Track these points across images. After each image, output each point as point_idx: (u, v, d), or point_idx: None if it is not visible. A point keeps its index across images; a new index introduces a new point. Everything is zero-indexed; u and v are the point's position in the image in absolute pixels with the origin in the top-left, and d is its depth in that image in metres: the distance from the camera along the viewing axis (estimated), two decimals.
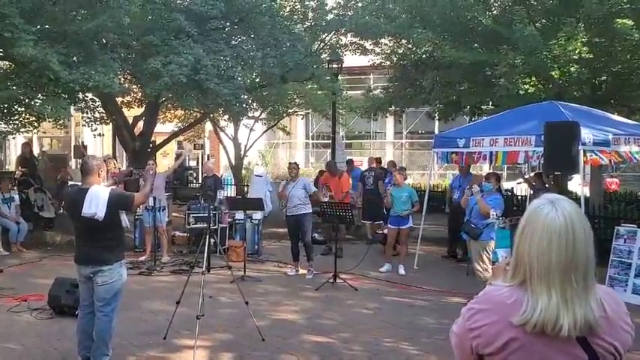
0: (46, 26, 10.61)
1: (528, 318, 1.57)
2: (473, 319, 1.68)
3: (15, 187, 11.78)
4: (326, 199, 10.06)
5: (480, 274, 7.40)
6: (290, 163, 9.95)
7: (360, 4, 14.76)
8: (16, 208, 11.13)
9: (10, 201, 11.09)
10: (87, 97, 12.44)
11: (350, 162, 14.09)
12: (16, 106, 11.19)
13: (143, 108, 15.71)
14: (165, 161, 22.74)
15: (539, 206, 1.67)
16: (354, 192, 12.03)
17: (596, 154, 8.51)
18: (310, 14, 14.93)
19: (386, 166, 13.27)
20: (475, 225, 7.44)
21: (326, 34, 15.31)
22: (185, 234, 11.48)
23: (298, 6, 14.94)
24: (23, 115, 11.66)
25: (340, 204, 9.51)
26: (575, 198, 8.64)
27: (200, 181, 15.51)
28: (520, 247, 1.67)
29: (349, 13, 14.58)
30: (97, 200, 4.67)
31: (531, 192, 10.51)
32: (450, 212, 10.74)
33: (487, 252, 7.41)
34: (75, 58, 10.60)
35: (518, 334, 1.60)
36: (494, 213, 7.30)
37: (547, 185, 9.36)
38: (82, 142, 20.65)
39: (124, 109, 15.34)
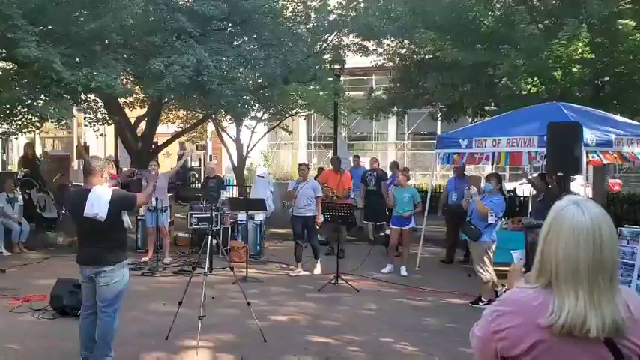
0: (49, 27, 10.64)
1: (556, 319, 1.57)
2: (497, 322, 1.67)
3: (18, 188, 11.80)
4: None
5: (481, 275, 7.39)
6: (300, 164, 10.08)
7: (362, 5, 14.76)
8: (20, 209, 11.16)
9: (14, 201, 11.12)
10: (89, 97, 12.46)
11: (357, 158, 14.13)
12: (18, 107, 11.20)
13: (145, 109, 15.74)
14: (167, 162, 22.78)
15: (564, 208, 1.67)
16: (357, 192, 12.04)
17: (598, 156, 8.50)
18: (312, 15, 14.94)
19: (388, 168, 13.25)
20: (475, 226, 7.42)
21: (328, 34, 15.32)
22: (187, 235, 11.48)
23: (300, 7, 14.95)
24: (26, 115, 11.68)
25: (342, 205, 9.52)
26: None
27: (202, 182, 15.53)
28: (546, 249, 1.66)
29: (351, 14, 14.58)
30: (99, 201, 4.68)
31: (534, 193, 10.49)
32: (447, 215, 10.68)
33: (488, 253, 7.39)
34: (77, 59, 10.63)
35: (545, 335, 1.59)
36: (492, 215, 7.28)
37: (550, 186, 9.34)
38: (85, 143, 20.69)
39: (127, 110, 15.36)
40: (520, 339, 1.62)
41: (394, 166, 12.95)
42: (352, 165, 13.77)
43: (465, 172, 10.95)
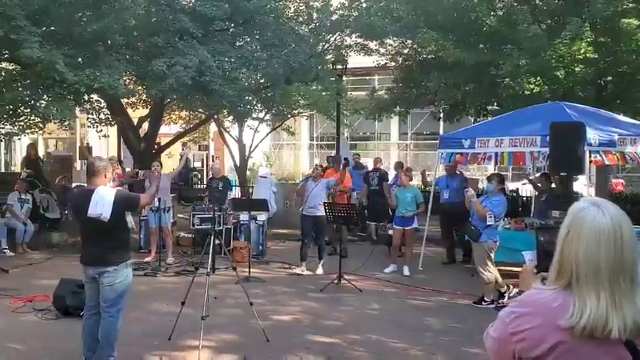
0: (52, 28, 10.67)
1: (577, 321, 1.56)
2: (515, 323, 1.66)
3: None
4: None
5: (483, 275, 7.37)
6: (315, 165, 10.39)
7: (364, 5, 14.76)
8: (28, 210, 11.23)
9: (25, 202, 11.22)
10: (92, 98, 12.49)
11: (357, 157, 14.13)
12: (21, 108, 11.24)
13: (148, 109, 15.76)
14: (169, 162, 22.82)
15: (584, 209, 1.67)
16: (360, 191, 12.04)
17: (600, 156, 8.49)
18: (315, 15, 14.94)
19: (392, 167, 13.26)
20: (475, 226, 7.40)
21: (330, 34, 15.32)
22: (190, 235, 11.49)
23: (303, 7, 14.96)
24: (28, 116, 11.71)
25: (344, 205, 9.52)
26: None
27: (206, 182, 15.53)
28: (566, 250, 1.65)
29: (354, 14, 14.58)
30: (103, 201, 4.68)
31: (536, 193, 10.48)
32: (440, 214, 10.64)
33: (489, 254, 7.37)
34: (80, 60, 10.65)
35: (566, 337, 1.59)
36: (491, 216, 7.26)
37: (554, 186, 9.33)
38: (87, 144, 20.73)
39: (129, 110, 15.39)
40: (540, 340, 1.61)
41: (398, 166, 12.93)
42: (353, 163, 13.77)
43: (457, 171, 10.87)
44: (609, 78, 11.64)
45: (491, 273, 7.34)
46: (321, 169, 9.88)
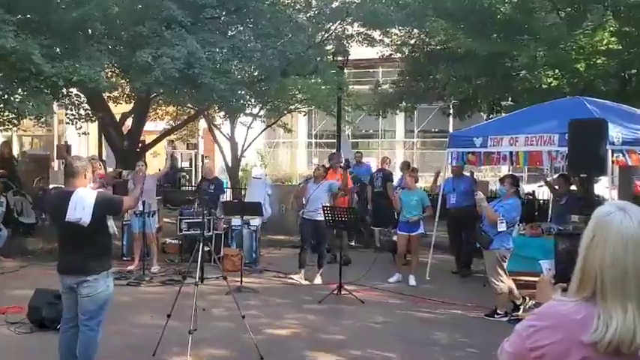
0: (27, 16, 10.67)
1: (602, 335, 1.56)
2: (534, 338, 1.66)
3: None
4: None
5: (495, 286, 7.34)
6: (317, 165, 10.11)
7: None
8: (1, 214, 11.18)
9: None
10: (71, 92, 12.50)
11: (359, 155, 14.14)
12: None
13: (132, 104, 15.77)
14: (155, 162, 22.80)
15: (610, 213, 1.67)
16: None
17: (624, 155, 8.48)
18: (314, 2, 14.96)
19: (398, 168, 13.28)
20: (485, 232, 7.38)
21: (331, 23, 15.34)
22: (177, 241, 11.48)
23: None
24: (2, 112, 11.70)
25: (344, 209, 9.52)
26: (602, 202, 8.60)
27: (196, 184, 15.54)
28: (590, 256, 1.66)
29: (356, 1, 14.60)
30: (82, 204, 4.68)
31: (554, 196, 10.48)
32: (448, 219, 10.62)
33: (500, 262, 7.34)
34: (58, 50, 10.65)
35: (589, 353, 1.58)
36: (503, 222, 7.24)
37: (573, 188, 9.32)
38: (66, 142, 20.73)
39: (111, 106, 15.40)
40: (561, 356, 1.61)
41: (404, 166, 12.93)
42: (355, 162, 13.79)
43: (467, 172, 10.86)
44: (634, 71, 11.65)
45: (503, 283, 7.33)
46: (323, 170, 9.86)
